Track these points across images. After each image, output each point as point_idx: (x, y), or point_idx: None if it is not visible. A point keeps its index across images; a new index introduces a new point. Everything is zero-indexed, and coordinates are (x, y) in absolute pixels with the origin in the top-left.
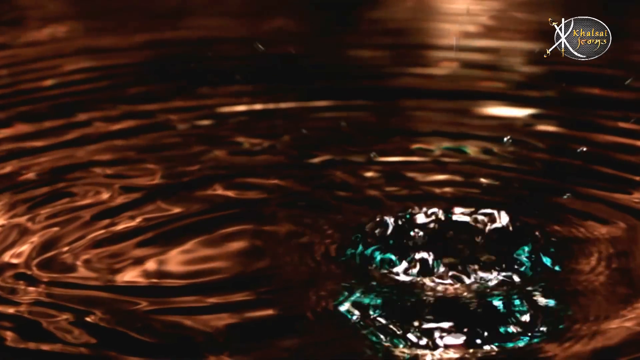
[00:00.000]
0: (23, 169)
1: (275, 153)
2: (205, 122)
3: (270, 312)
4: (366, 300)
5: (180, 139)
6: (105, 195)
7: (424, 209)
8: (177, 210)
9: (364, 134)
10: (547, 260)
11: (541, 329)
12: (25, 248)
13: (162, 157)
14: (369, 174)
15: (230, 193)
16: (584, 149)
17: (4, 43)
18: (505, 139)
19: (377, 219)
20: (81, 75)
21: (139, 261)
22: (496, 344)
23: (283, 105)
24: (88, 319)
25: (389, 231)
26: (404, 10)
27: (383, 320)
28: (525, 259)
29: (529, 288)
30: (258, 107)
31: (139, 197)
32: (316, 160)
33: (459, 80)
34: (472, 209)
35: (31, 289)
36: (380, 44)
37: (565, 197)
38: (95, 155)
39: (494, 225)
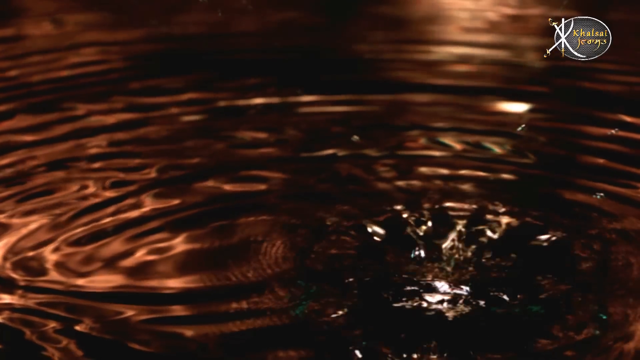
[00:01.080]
0: (18, 162)
1: (284, 147)
2: (209, 116)
3: (264, 320)
4: (365, 309)
5: (189, 133)
6: (98, 190)
7: (426, 211)
8: (175, 202)
9: (373, 128)
10: (568, 262)
11: (571, 332)
12: (4, 244)
13: (163, 150)
14: (379, 168)
15: (230, 187)
16: (615, 131)
17: (8, 36)
18: (518, 128)
19: (377, 224)
20: (83, 69)
21: (133, 260)
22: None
23: (293, 99)
24: (77, 328)
25: (392, 235)
26: (413, 5)
27: (383, 333)
28: (546, 259)
29: (550, 291)
30: (265, 100)
31: (135, 190)
32: (324, 153)
33: (468, 76)
34: (487, 208)
35: (6, 295)
36: (387, 40)
37: (597, 196)
38: (93, 149)
39: (510, 225)
